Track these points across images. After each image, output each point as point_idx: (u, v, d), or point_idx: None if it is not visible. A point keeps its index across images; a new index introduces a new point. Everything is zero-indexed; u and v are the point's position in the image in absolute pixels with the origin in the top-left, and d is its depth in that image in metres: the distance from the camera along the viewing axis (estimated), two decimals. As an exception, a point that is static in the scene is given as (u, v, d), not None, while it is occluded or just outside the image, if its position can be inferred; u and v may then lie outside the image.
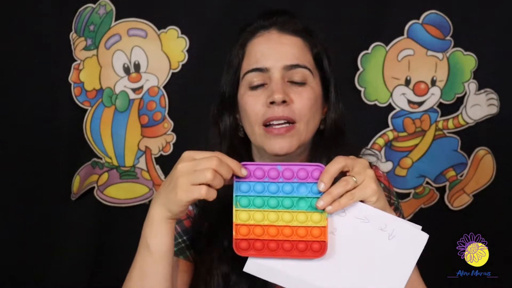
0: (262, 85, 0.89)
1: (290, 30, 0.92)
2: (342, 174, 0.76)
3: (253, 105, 0.89)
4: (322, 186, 0.74)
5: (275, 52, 0.90)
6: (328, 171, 0.75)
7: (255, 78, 0.89)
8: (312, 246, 0.77)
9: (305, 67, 0.90)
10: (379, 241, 0.75)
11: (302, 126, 0.89)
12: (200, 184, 0.71)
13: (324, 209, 0.74)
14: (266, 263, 0.78)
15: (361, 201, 0.76)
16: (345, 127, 0.97)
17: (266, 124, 0.88)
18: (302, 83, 0.89)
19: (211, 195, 0.72)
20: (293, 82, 0.89)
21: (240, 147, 0.96)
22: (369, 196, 0.75)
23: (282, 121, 0.87)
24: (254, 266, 0.78)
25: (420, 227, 0.76)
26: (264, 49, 0.90)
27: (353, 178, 0.75)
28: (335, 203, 0.74)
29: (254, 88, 0.90)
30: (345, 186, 0.74)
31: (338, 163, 0.75)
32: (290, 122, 0.87)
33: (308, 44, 0.93)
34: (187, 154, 0.74)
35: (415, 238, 0.75)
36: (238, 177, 0.76)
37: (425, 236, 0.75)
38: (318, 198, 0.75)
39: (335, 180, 0.75)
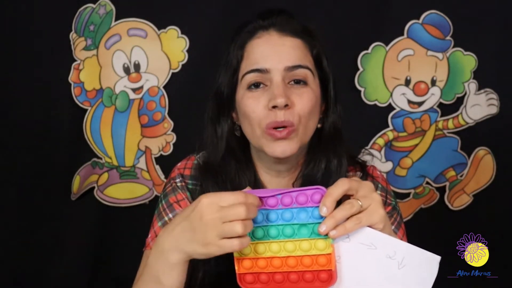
0: (261, 86, 0.88)
1: (290, 31, 0.91)
2: (346, 197, 0.72)
3: (254, 107, 0.87)
4: (324, 210, 0.70)
5: (275, 54, 0.89)
6: (331, 194, 0.70)
7: (254, 78, 0.88)
8: (319, 276, 0.73)
9: (307, 68, 0.89)
10: (388, 270, 0.70)
11: (302, 128, 0.88)
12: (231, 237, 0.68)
13: (327, 234, 0.69)
14: None
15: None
16: (341, 127, 0.96)
17: (268, 128, 0.87)
18: (303, 84, 0.89)
19: (245, 244, 0.68)
20: (294, 82, 0.88)
21: (237, 148, 0.95)
22: (376, 223, 0.70)
23: (282, 128, 0.86)
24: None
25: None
26: (264, 50, 0.89)
27: (358, 201, 0.70)
28: (340, 227, 0.69)
29: (253, 89, 0.89)
30: (350, 209, 0.69)
31: (341, 186, 0.70)
32: (290, 126, 0.87)
33: (308, 45, 0.92)
34: (209, 202, 0.69)
35: (427, 263, 0.70)
36: None
37: (437, 258, 0.70)
38: (319, 223, 0.71)
39: (338, 204, 0.71)
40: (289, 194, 0.72)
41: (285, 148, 0.86)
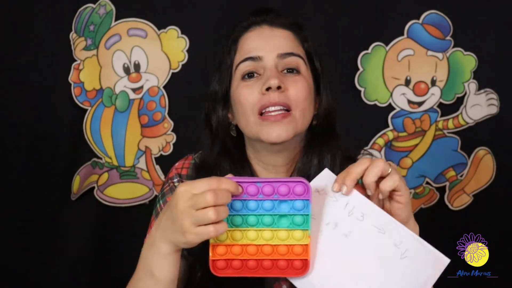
0: (255, 75, 0.89)
1: (281, 24, 0.93)
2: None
3: (248, 95, 0.88)
4: (344, 190, 0.72)
5: (267, 43, 0.90)
6: (351, 173, 0.72)
7: (247, 67, 0.89)
8: (293, 264, 0.74)
9: (299, 56, 0.91)
10: (390, 257, 0.71)
11: (298, 113, 0.88)
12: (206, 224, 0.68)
13: (307, 223, 0.72)
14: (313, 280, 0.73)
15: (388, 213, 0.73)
16: (335, 124, 0.97)
17: (262, 113, 0.87)
18: (296, 72, 0.90)
19: (221, 230, 0.69)
20: (287, 71, 0.89)
21: (233, 147, 0.95)
22: (397, 186, 0.72)
23: (278, 107, 0.86)
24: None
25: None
26: (256, 41, 0.91)
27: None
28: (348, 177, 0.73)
29: (247, 78, 0.90)
30: (364, 164, 0.72)
31: (362, 164, 0.73)
32: (286, 109, 0.87)
33: (299, 38, 0.94)
34: (183, 190, 0.69)
35: (433, 262, 0.70)
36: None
37: (445, 261, 0.70)
38: (300, 215, 0.72)
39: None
40: (270, 183, 0.72)
41: (280, 132, 0.86)
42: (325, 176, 0.77)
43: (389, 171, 0.73)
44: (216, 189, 0.68)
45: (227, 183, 0.70)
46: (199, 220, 0.68)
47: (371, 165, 0.73)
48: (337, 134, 0.96)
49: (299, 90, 0.88)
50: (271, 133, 0.86)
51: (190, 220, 0.68)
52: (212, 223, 0.68)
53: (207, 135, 0.97)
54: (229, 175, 0.74)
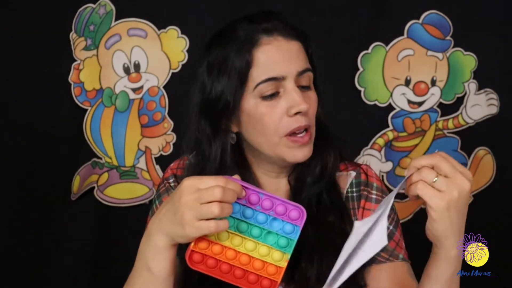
0: (275, 94, 0.87)
1: (293, 34, 0.90)
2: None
3: (272, 116, 0.86)
4: (406, 173, 0.72)
5: (287, 60, 0.87)
6: (418, 160, 0.70)
7: (272, 89, 0.86)
8: (262, 282, 0.75)
9: (311, 70, 0.90)
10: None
11: (312, 130, 0.90)
12: (208, 219, 0.69)
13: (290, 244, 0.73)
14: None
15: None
16: (327, 122, 0.97)
17: (290, 134, 0.87)
18: (310, 86, 0.90)
19: (222, 228, 0.69)
20: (302, 87, 0.88)
21: (232, 161, 0.92)
22: (423, 195, 0.72)
23: (303, 130, 0.87)
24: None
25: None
26: (274, 56, 0.87)
27: (435, 177, 0.69)
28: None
29: (268, 98, 0.86)
30: (419, 174, 0.70)
31: (431, 158, 0.70)
32: (306, 129, 0.88)
33: (305, 46, 0.92)
34: (189, 184, 0.70)
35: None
36: None
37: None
38: (286, 237, 0.74)
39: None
40: (271, 199, 0.74)
41: (306, 153, 0.88)
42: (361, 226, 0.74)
43: (434, 180, 0.70)
44: (225, 187, 0.69)
45: (234, 184, 0.71)
46: (203, 213, 0.68)
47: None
48: (333, 136, 0.96)
49: (313, 107, 0.89)
50: (298, 155, 0.88)
51: (193, 213, 0.68)
52: (214, 219, 0.69)
53: (205, 148, 0.93)
54: (236, 176, 0.75)
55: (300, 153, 0.88)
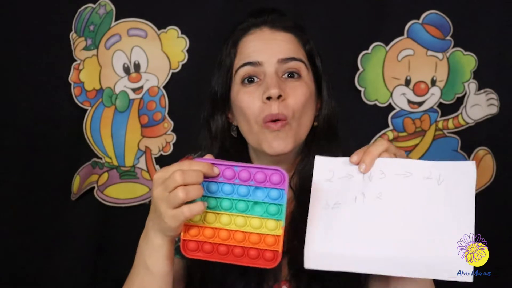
0: (255, 80, 0.88)
1: (282, 26, 0.92)
2: None
3: (249, 102, 0.87)
4: (363, 167, 0.73)
5: (268, 47, 0.89)
6: (370, 152, 0.73)
7: (247, 72, 0.88)
8: (264, 255, 0.73)
9: (300, 60, 0.90)
10: (430, 191, 0.72)
11: (295, 123, 0.87)
12: (180, 206, 0.68)
13: (282, 208, 0.72)
14: (325, 251, 0.73)
15: None
16: (337, 124, 0.97)
17: (265, 121, 0.87)
18: (297, 77, 0.89)
19: (197, 210, 0.69)
20: (288, 77, 0.88)
21: (232, 148, 0.95)
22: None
23: (276, 120, 0.86)
24: (314, 261, 0.73)
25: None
26: (256, 45, 0.90)
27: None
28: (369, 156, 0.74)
29: (247, 83, 0.89)
30: (383, 145, 0.73)
31: (381, 145, 0.74)
32: (283, 119, 0.87)
33: (300, 40, 0.93)
34: (156, 177, 0.71)
35: (464, 170, 0.72)
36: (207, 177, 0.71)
37: (472, 164, 0.72)
38: (275, 204, 0.72)
39: None
40: (247, 169, 0.72)
41: (280, 145, 0.86)
42: (322, 163, 0.78)
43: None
44: (185, 169, 0.68)
45: (198, 164, 0.70)
46: (171, 201, 0.68)
47: (388, 148, 0.74)
48: (339, 136, 0.96)
49: (298, 98, 0.87)
50: (273, 145, 0.86)
51: (164, 203, 0.69)
52: (187, 204, 0.68)
53: (206, 136, 0.97)
54: (208, 155, 0.75)
55: (275, 143, 0.86)
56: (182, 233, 0.74)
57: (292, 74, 0.89)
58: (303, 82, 0.89)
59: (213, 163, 0.72)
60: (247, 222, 0.73)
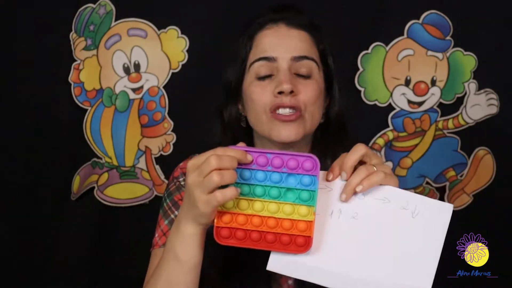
0: (269, 76, 0.91)
1: (298, 24, 0.94)
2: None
3: (261, 95, 0.90)
4: (344, 176, 0.74)
5: (283, 44, 0.91)
6: (350, 159, 0.74)
7: (262, 67, 0.91)
8: (296, 240, 0.74)
9: (312, 59, 0.92)
10: (403, 221, 0.73)
11: (308, 115, 0.90)
12: (213, 191, 0.69)
13: (311, 205, 0.73)
14: (291, 258, 0.74)
15: None
16: (347, 122, 0.98)
17: (273, 111, 0.89)
18: (308, 76, 0.91)
19: (230, 195, 0.69)
20: (299, 75, 0.91)
21: (242, 137, 0.96)
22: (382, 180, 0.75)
23: (289, 110, 0.88)
24: (278, 263, 0.75)
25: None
26: (272, 40, 0.92)
27: (374, 167, 0.75)
28: (349, 188, 0.74)
29: (261, 78, 0.91)
30: (365, 173, 0.74)
31: (359, 151, 0.75)
32: (297, 110, 0.89)
33: (315, 39, 0.95)
34: (191, 164, 0.72)
35: (439, 211, 0.73)
36: (240, 164, 0.73)
37: (449, 207, 0.73)
38: (307, 190, 0.73)
39: None
40: (280, 156, 0.73)
41: (290, 132, 0.88)
42: None
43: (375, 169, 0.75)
44: (220, 154, 0.70)
45: (232, 150, 0.72)
46: (206, 185, 0.69)
47: (365, 153, 0.76)
48: (349, 134, 0.97)
49: (309, 94, 0.90)
50: (281, 132, 0.88)
51: (199, 189, 0.70)
52: (220, 189, 0.69)
53: (218, 125, 0.99)
54: (241, 143, 0.76)
55: (284, 131, 0.88)
56: (215, 220, 0.74)
57: (306, 74, 0.91)
58: (314, 80, 0.92)
59: (246, 150, 0.73)
60: (280, 208, 0.74)
